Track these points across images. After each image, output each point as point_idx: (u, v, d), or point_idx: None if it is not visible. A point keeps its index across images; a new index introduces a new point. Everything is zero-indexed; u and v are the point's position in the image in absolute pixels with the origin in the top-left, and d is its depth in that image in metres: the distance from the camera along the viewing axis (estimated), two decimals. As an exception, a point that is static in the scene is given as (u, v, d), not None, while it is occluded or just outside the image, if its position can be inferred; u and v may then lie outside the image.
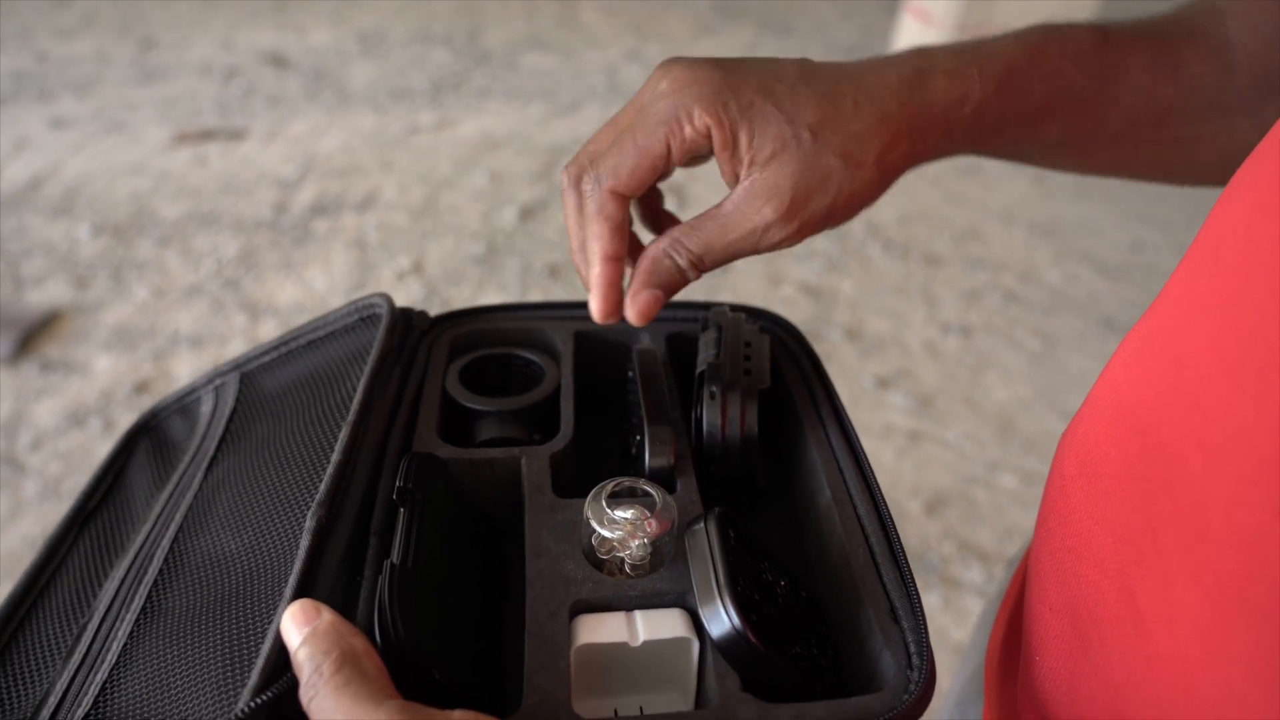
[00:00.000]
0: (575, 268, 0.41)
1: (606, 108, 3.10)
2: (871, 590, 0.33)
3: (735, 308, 0.46)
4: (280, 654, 0.28)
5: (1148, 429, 0.28)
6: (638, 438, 0.41)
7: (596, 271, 0.39)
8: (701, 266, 0.39)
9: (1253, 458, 0.23)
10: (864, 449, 0.40)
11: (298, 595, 0.29)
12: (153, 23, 3.63)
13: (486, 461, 0.40)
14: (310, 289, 2.05)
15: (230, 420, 0.45)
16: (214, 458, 0.43)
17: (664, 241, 0.39)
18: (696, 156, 0.40)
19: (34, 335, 1.89)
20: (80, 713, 0.31)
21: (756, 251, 0.39)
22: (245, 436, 0.43)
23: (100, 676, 0.32)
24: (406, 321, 0.46)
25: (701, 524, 0.34)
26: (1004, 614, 0.44)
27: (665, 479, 0.38)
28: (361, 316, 0.46)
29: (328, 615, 0.28)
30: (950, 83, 0.38)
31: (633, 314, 0.39)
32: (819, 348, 1.99)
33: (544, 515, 0.37)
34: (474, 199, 2.49)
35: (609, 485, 0.36)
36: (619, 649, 0.32)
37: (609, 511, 0.34)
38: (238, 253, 2.19)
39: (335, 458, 0.35)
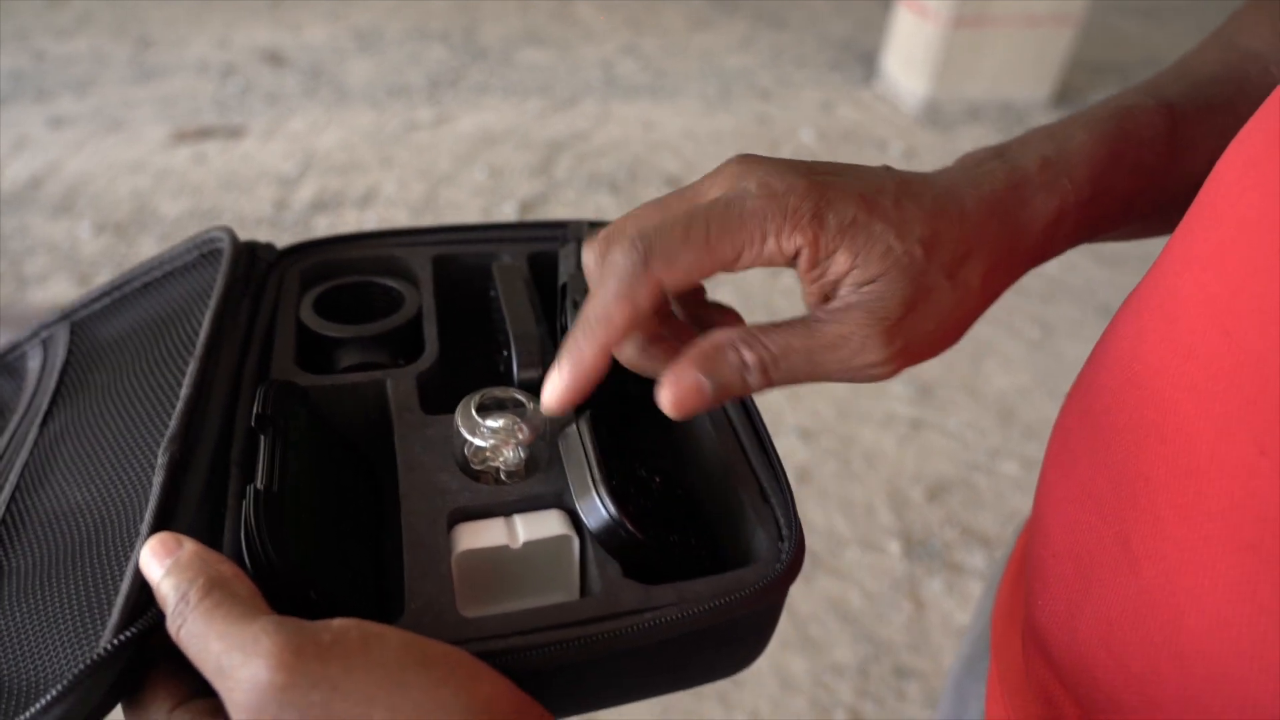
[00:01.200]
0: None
1: (603, 102, 3.11)
2: (742, 476, 0.34)
3: (594, 224, 0.45)
4: (142, 591, 0.27)
5: (1144, 379, 0.30)
6: (505, 353, 0.40)
7: (582, 356, 0.31)
8: (772, 373, 0.32)
9: (1238, 397, 0.25)
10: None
11: (156, 531, 0.28)
12: (149, 22, 3.63)
13: (350, 386, 0.38)
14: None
15: (63, 372, 0.42)
16: (48, 412, 0.40)
17: (733, 332, 0.33)
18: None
19: (38, 333, 1.90)
20: None
21: (842, 373, 0.33)
22: (83, 387, 0.40)
23: None
24: (251, 254, 0.43)
25: (574, 424, 0.35)
26: (1010, 570, 0.46)
27: (535, 389, 0.37)
28: (201, 253, 0.42)
29: (190, 544, 0.27)
30: (1046, 199, 0.35)
31: (669, 398, 0.32)
32: (820, 338, 2.00)
33: (414, 432, 0.36)
34: (474, 194, 2.49)
35: (477, 395, 0.35)
36: (500, 552, 0.32)
37: (480, 421, 0.34)
38: (240, 249, 2.20)
39: (185, 391, 0.34)
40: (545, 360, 0.38)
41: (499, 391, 0.36)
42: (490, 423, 0.34)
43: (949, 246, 0.33)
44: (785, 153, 2.84)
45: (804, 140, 2.90)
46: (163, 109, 2.89)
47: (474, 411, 0.35)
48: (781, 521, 0.32)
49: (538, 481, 0.34)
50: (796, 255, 0.32)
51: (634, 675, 0.31)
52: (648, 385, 0.44)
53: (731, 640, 0.32)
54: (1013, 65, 3.11)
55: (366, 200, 2.43)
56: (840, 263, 0.32)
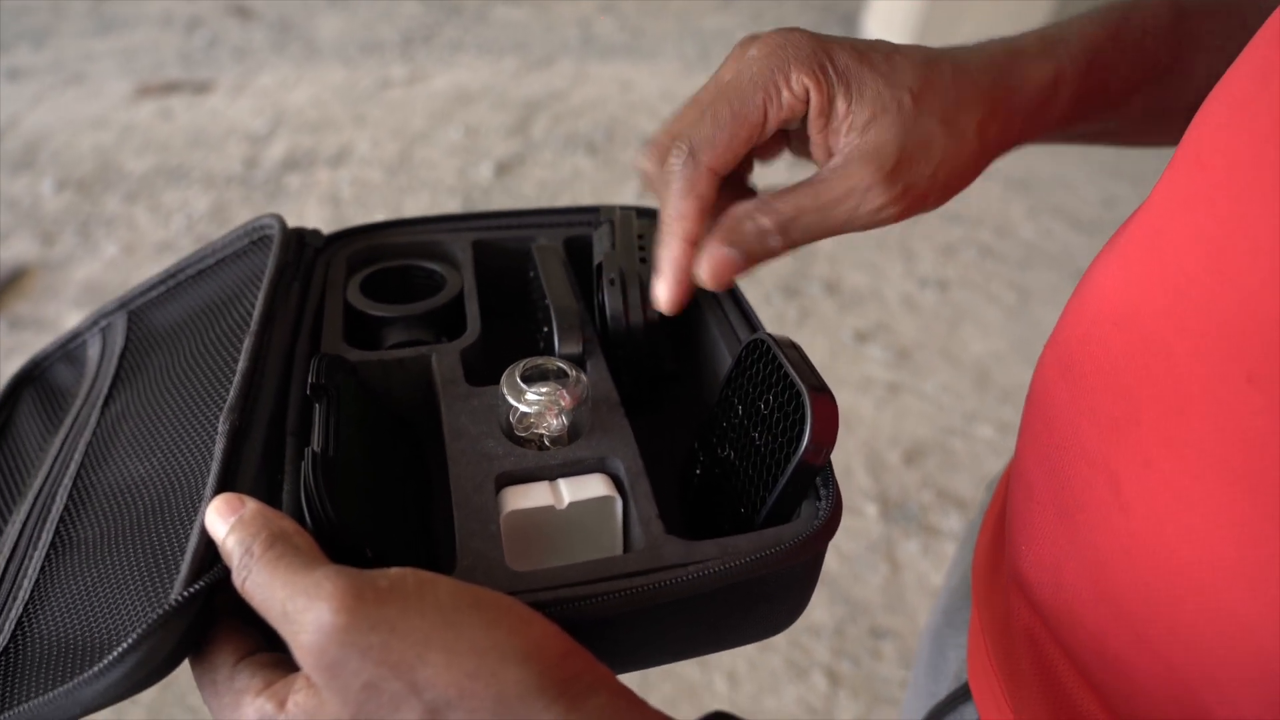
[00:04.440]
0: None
1: (580, 61, 3.06)
2: None
3: (626, 208, 0.47)
4: (208, 548, 0.28)
5: (1130, 322, 0.30)
6: (545, 329, 0.42)
7: (674, 255, 0.36)
8: (789, 234, 0.36)
9: (1229, 332, 0.26)
10: (759, 319, 0.41)
11: (219, 493, 0.29)
12: (109, -29, 3.50)
13: (396, 362, 0.40)
14: (285, 245, 2.01)
15: (122, 358, 0.44)
16: (109, 395, 0.42)
17: (751, 203, 0.36)
18: (785, 131, 0.38)
19: (1, 293, 1.85)
20: None
21: (854, 223, 0.36)
22: (141, 370, 0.42)
23: (15, 613, 0.32)
24: (300, 240, 0.45)
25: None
26: (989, 523, 0.47)
27: (576, 361, 0.39)
28: (252, 240, 0.44)
29: (252, 503, 0.28)
30: (1041, 65, 0.38)
31: (705, 272, 0.36)
32: (798, 302, 2.00)
33: (460, 403, 0.37)
34: (449, 154, 2.45)
35: (521, 364, 0.37)
36: (546, 513, 0.33)
37: (525, 388, 0.35)
38: (209, 208, 2.15)
39: (242, 365, 0.35)
40: (585, 333, 0.40)
41: (542, 361, 0.37)
42: (534, 391, 0.35)
43: (940, 95, 0.36)
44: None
45: (783, 103, 2.88)
46: (125, 62, 2.80)
47: (519, 379, 0.36)
48: (820, 485, 0.33)
49: (580, 447, 0.35)
50: (808, 102, 0.35)
51: (678, 630, 0.32)
52: (685, 362, 0.45)
53: (772, 597, 0.33)
54: (991, 31, 3.09)
55: (339, 159, 2.38)
56: (840, 106, 0.35)
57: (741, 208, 0.36)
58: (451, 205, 2.22)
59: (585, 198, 2.29)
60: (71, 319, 1.80)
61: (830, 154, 0.36)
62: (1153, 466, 0.29)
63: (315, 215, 2.12)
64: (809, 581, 0.33)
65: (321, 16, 3.27)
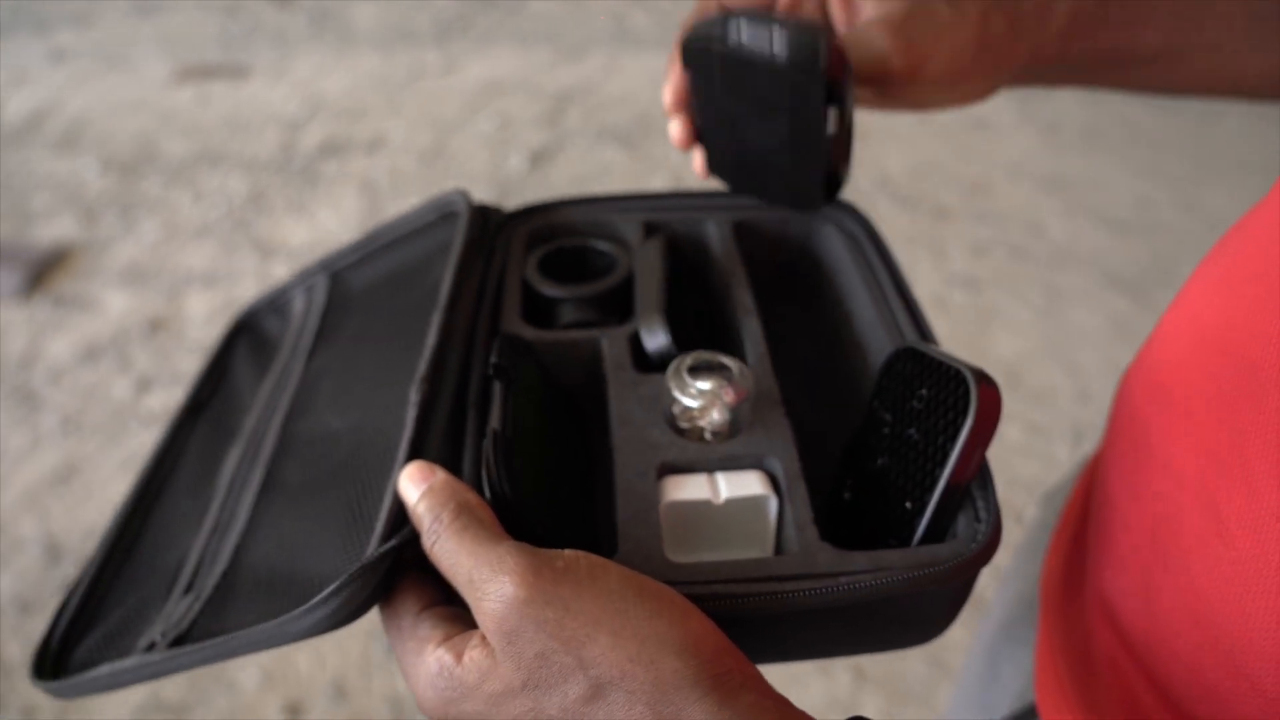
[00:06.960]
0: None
1: (614, 54, 3.07)
2: None
3: None
4: (399, 510, 0.31)
5: (1233, 349, 0.30)
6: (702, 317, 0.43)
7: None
8: None
9: None
10: (928, 323, 0.40)
11: (410, 460, 0.32)
12: (149, -45, 3.54)
13: (569, 343, 0.42)
14: (324, 230, 2.05)
15: (324, 316, 0.48)
16: (312, 349, 0.46)
17: None
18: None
19: (45, 271, 1.89)
20: (219, 570, 0.35)
21: (860, 64, 0.40)
22: (340, 329, 0.46)
23: (232, 542, 0.36)
24: (484, 216, 0.47)
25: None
26: (1061, 543, 0.46)
27: (740, 358, 0.39)
28: (441, 214, 0.48)
29: (442, 473, 0.30)
30: None
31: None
32: (828, 298, 2.00)
33: (627, 389, 0.38)
34: (483, 144, 2.47)
35: (689, 358, 0.37)
36: (703, 506, 0.34)
37: (690, 382, 0.36)
38: (248, 193, 2.18)
39: (431, 340, 0.37)
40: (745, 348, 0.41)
41: (708, 355, 0.38)
42: (699, 384, 0.36)
43: None
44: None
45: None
46: (165, 46, 2.84)
47: (685, 373, 0.36)
48: (980, 505, 0.33)
49: (740, 443, 0.36)
50: None
51: (821, 633, 0.32)
52: (839, 364, 0.45)
53: (920, 613, 0.33)
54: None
55: (375, 147, 2.41)
56: None
57: None
58: (487, 196, 2.24)
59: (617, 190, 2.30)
60: (113, 298, 1.83)
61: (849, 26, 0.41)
62: (1258, 498, 0.28)
63: (353, 203, 2.15)
64: (959, 600, 0.33)
65: (358, 4, 3.29)
